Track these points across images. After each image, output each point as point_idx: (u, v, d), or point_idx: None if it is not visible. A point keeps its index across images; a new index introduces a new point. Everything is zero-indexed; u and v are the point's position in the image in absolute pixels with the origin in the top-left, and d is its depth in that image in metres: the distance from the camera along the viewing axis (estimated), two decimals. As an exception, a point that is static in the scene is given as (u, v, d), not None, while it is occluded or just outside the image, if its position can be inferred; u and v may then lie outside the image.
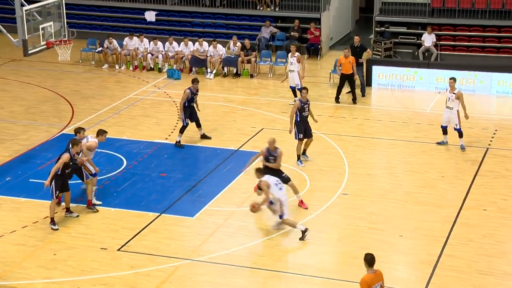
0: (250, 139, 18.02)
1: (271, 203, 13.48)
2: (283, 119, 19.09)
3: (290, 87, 20.65)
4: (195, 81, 17.65)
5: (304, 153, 16.64)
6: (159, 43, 24.10)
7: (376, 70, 22.19)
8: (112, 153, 16.93)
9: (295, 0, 25.93)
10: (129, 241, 13.42)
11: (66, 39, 19.41)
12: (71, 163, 13.78)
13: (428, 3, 24.77)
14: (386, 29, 25.18)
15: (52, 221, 13.78)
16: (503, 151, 17.31)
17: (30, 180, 15.82)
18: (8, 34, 18.49)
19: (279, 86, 22.57)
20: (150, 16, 26.87)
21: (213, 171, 16.22)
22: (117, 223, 14.01)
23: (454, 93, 17.09)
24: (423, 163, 16.73)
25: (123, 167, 16.42)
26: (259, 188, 13.54)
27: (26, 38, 17.97)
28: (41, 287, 12.08)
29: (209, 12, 26.87)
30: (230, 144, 17.80)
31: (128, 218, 14.20)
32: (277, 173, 14.17)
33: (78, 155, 13.99)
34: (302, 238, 13.34)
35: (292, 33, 25.39)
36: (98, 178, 14.86)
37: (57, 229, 13.68)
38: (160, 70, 23.96)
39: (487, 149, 17.38)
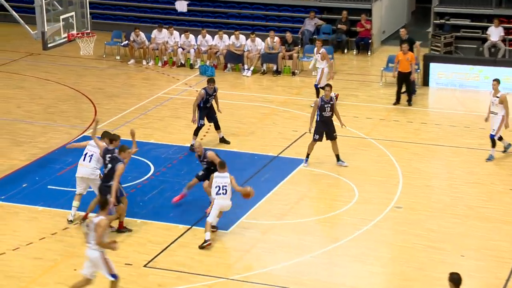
0: (292, 144, 18.01)
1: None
2: (329, 122, 19.05)
3: (315, 85, 20.58)
4: (210, 81, 17.78)
5: (338, 159, 16.75)
6: (191, 36, 24.27)
7: (435, 68, 22.01)
8: (138, 158, 17.05)
9: (342, -11, 25.93)
10: (156, 256, 13.51)
11: (89, 31, 19.64)
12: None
13: (495, -8, 24.54)
14: (447, 22, 24.95)
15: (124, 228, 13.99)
16: None
17: (49, 187, 16.05)
18: (26, 26, 18.74)
19: (324, 85, 22.50)
20: (182, 6, 27.08)
21: (249, 180, 16.24)
22: (144, 236, 14.12)
23: (497, 97, 16.91)
24: (488, 174, 16.53)
25: (150, 173, 16.55)
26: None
27: (46, 30, 18.21)
28: (59, 305, 12.23)
29: (246, 2, 26.99)
30: (269, 150, 17.82)
31: (155, 230, 14.30)
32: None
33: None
34: (201, 247, 13.61)
35: (339, 26, 25.35)
36: (123, 185, 14.99)
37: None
38: (191, 66, 24.11)
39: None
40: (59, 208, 15.07)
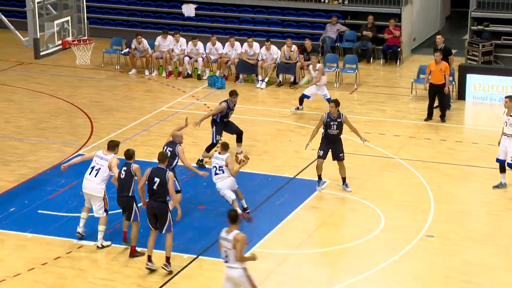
0: (310, 164, 18.01)
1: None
2: (352, 140, 19.02)
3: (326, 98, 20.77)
4: (234, 93, 18.00)
5: (343, 182, 16.78)
6: (199, 44, 24.40)
7: (472, 79, 21.99)
8: (139, 179, 17.10)
9: (369, -8, 26.00)
10: (158, 289, 13.54)
11: (86, 38, 19.79)
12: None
13: (540, -6, 24.54)
14: (485, 28, 24.95)
15: (150, 260, 13.92)
16: None
17: (39, 211, 16.10)
18: (16, 32, 18.92)
19: (347, 98, 22.54)
20: (189, 10, 27.25)
21: (262, 204, 16.24)
22: (144, 266, 14.12)
23: (511, 116, 16.81)
24: (531, 199, 16.47)
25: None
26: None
27: (38, 36, 18.38)
28: None
29: (261, 5, 27.13)
30: (284, 171, 17.83)
31: (157, 260, 14.31)
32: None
33: None
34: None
35: (364, 33, 25.41)
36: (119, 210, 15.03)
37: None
38: (199, 77, 24.22)
39: None
40: (50, 235, 15.11)
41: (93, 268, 14.18)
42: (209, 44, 24.34)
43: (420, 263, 14.34)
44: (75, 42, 19.50)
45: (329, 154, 16.71)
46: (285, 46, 23.66)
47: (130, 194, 14.28)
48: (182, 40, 24.63)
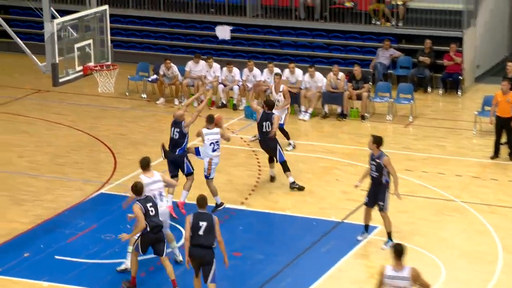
0: (359, 207, 17.93)
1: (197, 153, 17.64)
2: (407, 180, 18.93)
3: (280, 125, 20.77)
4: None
5: (389, 237, 16.31)
6: (235, 70, 24.54)
7: (544, 112, 21.80)
8: (175, 224, 17.10)
9: (426, 13, 25.96)
10: None
11: (109, 63, 19.96)
12: None
13: None
14: (561, 53, 24.78)
15: None
16: None
17: (56, 257, 16.14)
18: (33, 56, 19.17)
19: (401, 132, 22.46)
20: (224, 32, 27.40)
21: (306, 251, 16.17)
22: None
23: None
24: None
25: (181, 242, 16.57)
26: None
27: (57, 61, 18.58)
28: None
29: (305, 27, 27.22)
30: (330, 214, 17.77)
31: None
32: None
33: None
34: (213, 211, 16.09)
35: (421, 58, 25.38)
36: (144, 257, 15.04)
37: None
38: (235, 107, 24.32)
39: None
40: (68, 284, 15.10)
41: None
42: (245, 70, 24.46)
43: (486, 321, 14.17)
44: (97, 68, 19.66)
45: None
46: (331, 73, 23.71)
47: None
48: (216, 66, 24.78)
